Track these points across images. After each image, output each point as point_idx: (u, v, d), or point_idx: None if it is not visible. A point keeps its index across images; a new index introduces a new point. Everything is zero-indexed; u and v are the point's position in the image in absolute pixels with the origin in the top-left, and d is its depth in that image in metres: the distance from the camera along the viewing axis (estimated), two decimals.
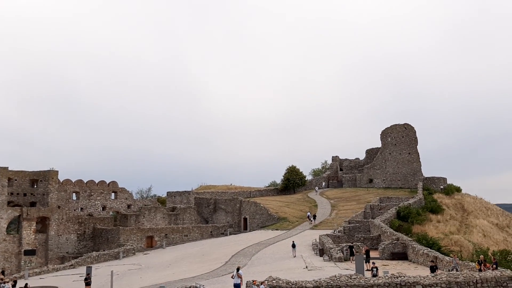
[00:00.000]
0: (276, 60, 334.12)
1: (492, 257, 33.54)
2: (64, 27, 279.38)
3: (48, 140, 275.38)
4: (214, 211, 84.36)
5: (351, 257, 41.32)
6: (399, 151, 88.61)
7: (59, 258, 67.59)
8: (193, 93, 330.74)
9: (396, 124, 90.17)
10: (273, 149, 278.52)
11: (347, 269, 35.26)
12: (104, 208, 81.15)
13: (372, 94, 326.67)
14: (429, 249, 41.05)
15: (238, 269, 29.49)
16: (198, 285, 29.63)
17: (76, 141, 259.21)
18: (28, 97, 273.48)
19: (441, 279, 25.77)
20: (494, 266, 29.48)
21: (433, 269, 31.17)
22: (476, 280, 25.74)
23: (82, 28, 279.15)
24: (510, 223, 74.00)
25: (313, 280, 26.12)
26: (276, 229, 67.59)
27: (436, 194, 77.14)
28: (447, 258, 35.98)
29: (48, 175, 73.06)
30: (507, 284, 25.81)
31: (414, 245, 42.37)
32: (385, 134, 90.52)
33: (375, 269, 30.86)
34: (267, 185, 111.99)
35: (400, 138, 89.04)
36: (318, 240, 51.01)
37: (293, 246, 45.89)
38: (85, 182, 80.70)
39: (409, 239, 45.88)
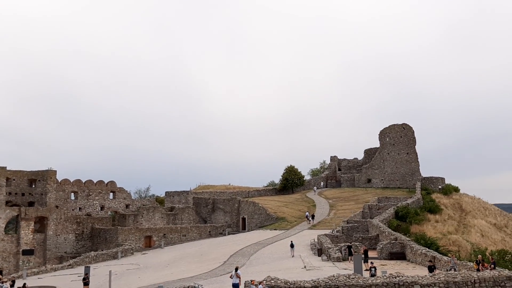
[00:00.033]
0: (275, 59, 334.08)
1: (490, 257, 33.56)
2: (62, 26, 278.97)
3: (46, 140, 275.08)
4: (213, 211, 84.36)
5: (349, 257, 41.37)
6: (397, 151, 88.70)
7: (57, 258, 67.50)
8: (192, 93, 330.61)
9: (394, 124, 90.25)
10: (271, 149, 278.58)
11: (345, 269, 35.30)
12: (102, 208, 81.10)
13: (371, 93, 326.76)
14: (427, 249, 41.12)
15: (236, 269, 29.53)
16: (196, 285, 29.65)
17: (74, 140, 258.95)
18: (26, 97, 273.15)
19: (439, 279, 25.82)
20: (492, 266, 29.52)
21: (431, 269, 31.22)
22: (474, 280, 25.80)
23: (80, 27, 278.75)
24: (508, 223, 74.10)
25: (312, 280, 26.15)
26: (275, 229, 67.62)
27: (434, 194, 77.22)
28: (445, 258, 36.05)
29: (46, 175, 72.97)
30: (505, 284, 25.87)
31: (412, 245, 42.43)
32: (383, 134, 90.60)
33: (373, 269, 30.89)
34: (266, 185, 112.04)
35: (399, 138, 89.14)
36: (316, 240, 51.06)
37: (292, 246, 45.93)
38: (83, 182, 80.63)
39: (407, 239, 45.93)
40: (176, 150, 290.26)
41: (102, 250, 64.26)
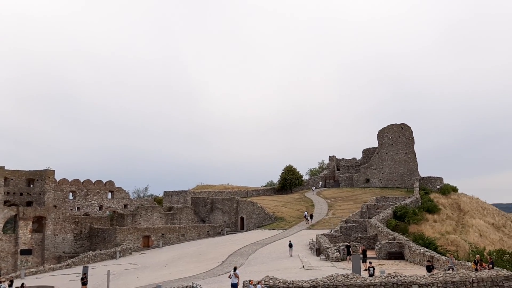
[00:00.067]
0: (274, 59, 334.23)
1: (488, 257, 33.60)
2: (62, 26, 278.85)
3: (45, 140, 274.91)
4: (211, 211, 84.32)
5: (347, 257, 41.39)
6: (395, 151, 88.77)
7: (56, 257, 67.41)
8: (191, 93, 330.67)
9: (393, 124, 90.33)
10: (270, 149, 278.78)
11: (343, 269, 35.33)
12: (100, 207, 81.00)
13: (370, 94, 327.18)
14: (425, 248, 41.14)
15: (235, 269, 29.53)
16: (195, 285, 29.64)
17: (72, 140, 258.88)
18: (25, 96, 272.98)
19: (437, 279, 25.83)
20: (490, 265, 29.55)
21: (429, 268, 31.24)
22: (472, 279, 25.82)
23: (80, 27, 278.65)
24: (506, 223, 74.24)
25: (310, 280, 26.15)
26: (273, 229, 67.62)
27: (433, 194, 77.32)
28: (443, 257, 36.08)
29: (45, 175, 72.86)
30: (503, 283, 25.90)
31: (411, 245, 42.46)
32: (382, 134, 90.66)
33: (371, 269, 30.90)
34: (264, 184, 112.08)
35: (397, 138, 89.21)
36: (315, 240, 51.07)
37: (290, 245, 45.92)
38: (81, 181, 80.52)
39: (405, 238, 45.97)
40: (174, 150, 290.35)
41: (100, 250, 64.17)
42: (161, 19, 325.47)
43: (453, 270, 31.11)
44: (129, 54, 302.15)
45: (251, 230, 73.23)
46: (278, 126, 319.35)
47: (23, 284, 36.62)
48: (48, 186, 72.33)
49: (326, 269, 35.40)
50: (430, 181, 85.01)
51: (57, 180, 76.93)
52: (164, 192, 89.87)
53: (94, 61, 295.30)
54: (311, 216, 68.97)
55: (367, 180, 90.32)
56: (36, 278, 50.19)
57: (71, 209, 77.50)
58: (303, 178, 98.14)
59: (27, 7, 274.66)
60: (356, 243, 46.98)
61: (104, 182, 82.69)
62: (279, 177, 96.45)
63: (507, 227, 72.07)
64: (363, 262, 36.87)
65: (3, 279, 42.17)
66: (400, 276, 26.33)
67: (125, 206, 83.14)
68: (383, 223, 56.32)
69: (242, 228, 78.07)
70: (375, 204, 70.14)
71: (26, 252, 66.14)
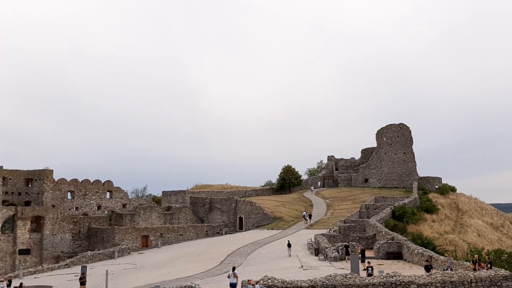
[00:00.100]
0: (273, 59, 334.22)
1: (486, 257, 33.65)
2: (61, 26, 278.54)
3: (43, 139, 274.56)
4: (210, 211, 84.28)
5: (346, 257, 41.41)
6: (394, 151, 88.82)
7: (54, 257, 67.32)
8: (190, 93, 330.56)
9: (391, 124, 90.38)
10: (269, 149, 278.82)
11: (342, 269, 35.35)
12: (99, 207, 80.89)
13: (369, 94, 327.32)
14: (424, 248, 41.17)
15: (234, 269, 29.52)
16: (193, 285, 29.61)
17: (71, 140, 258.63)
18: (24, 96, 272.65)
19: (435, 279, 25.85)
20: (489, 265, 29.60)
21: (428, 268, 31.25)
22: (471, 279, 25.84)
23: (79, 27, 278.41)
24: (505, 223, 74.34)
25: (309, 280, 26.15)
26: (272, 229, 67.62)
27: (431, 194, 77.37)
28: (441, 257, 36.11)
29: (43, 174, 72.76)
30: (501, 283, 25.93)
31: (409, 245, 42.49)
32: (380, 134, 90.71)
33: (370, 269, 30.91)
34: (263, 184, 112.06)
35: (396, 138, 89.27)
36: (313, 240, 51.07)
37: (289, 245, 45.92)
38: (80, 181, 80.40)
39: (404, 238, 46.00)
40: (173, 150, 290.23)
41: (98, 250, 64.11)
42: (161, 19, 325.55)
43: (451, 270, 31.14)
44: (128, 54, 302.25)
45: (250, 230, 73.20)
46: (277, 126, 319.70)
47: (21, 284, 36.52)
48: (47, 186, 72.24)
49: (324, 269, 35.41)
50: (428, 181, 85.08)
51: (56, 180, 76.82)
52: (163, 192, 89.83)
53: (93, 61, 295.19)
54: (310, 216, 68.99)
55: (366, 180, 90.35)
56: (35, 278, 50.11)
57: (69, 209, 77.40)
58: (301, 178, 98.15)
59: (27, 7, 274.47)
60: (355, 243, 47.02)
61: (103, 182, 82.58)
62: (278, 177, 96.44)
63: (505, 227, 72.16)
64: (361, 262, 36.90)
65: (1, 279, 42.05)
66: (399, 276, 26.34)
67: (124, 206, 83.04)
68: (381, 223, 56.35)
69: (241, 228, 78.05)
70: (373, 204, 70.19)
71: (25, 252, 66.04)
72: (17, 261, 65.04)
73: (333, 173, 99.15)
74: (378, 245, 44.73)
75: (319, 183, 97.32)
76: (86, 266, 42.26)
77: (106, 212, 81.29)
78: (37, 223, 69.24)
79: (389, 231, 50.05)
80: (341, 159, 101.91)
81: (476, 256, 33.38)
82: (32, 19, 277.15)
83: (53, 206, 72.74)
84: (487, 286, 25.79)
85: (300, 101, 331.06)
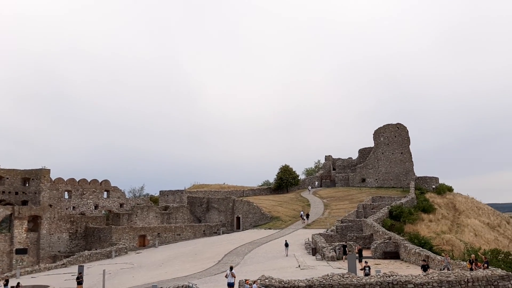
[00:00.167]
0: (271, 59, 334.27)
1: (483, 257, 33.74)
2: (59, 26, 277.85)
3: (41, 139, 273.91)
4: (207, 210, 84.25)
5: (343, 256, 41.47)
6: (391, 151, 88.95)
7: (51, 257, 67.19)
8: (188, 92, 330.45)
9: (388, 124, 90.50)
10: (266, 149, 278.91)
11: (339, 268, 35.38)
12: (96, 207, 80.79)
13: (366, 94, 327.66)
14: (421, 248, 41.27)
15: (231, 268, 29.53)
16: (190, 284, 29.60)
17: (68, 139, 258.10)
18: (21, 96, 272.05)
19: (432, 278, 25.91)
20: (485, 265, 29.67)
21: (424, 268, 31.34)
22: (467, 279, 25.91)
23: (77, 26, 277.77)
24: (501, 223, 74.52)
25: (306, 279, 26.17)
26: (269, 228, 67.66)
27: (428, 194, 77.49)
28: (438, 257, 36.20)
29: (40, 174, 72.61)
30: (497, 283, 26.01)
31: (406, 244, 42.57)
32: (377, 133, 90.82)
33: (367, 268, 30.96)
34: (260, 184, 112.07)
35: (393, 137, 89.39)
36: (310, 239, 51.12)
37: (286, 245, 45.96)
38: (77, 180, 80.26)
39: (401, 238, 46.08)
40: (170, 149, 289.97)
41: (96, 249, 64.02)
42: (159, 19, 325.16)
43: (448, 269, 31.22)
44: (127, 53, 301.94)
45: (247, 229, 73.22)
46: (275, 126, 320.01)
47: (18, 283, 36.48)
48: (44, 185, 72.09)
49: (322, 269, 35.43)
50: (425, 181, 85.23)
51: (53, 179, 76.70)
52: (160, 191, 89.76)
53: (90, 60, 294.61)
54: (307, 216, 69.04)
55: (363, 180, 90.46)
56: (32, 277, 50.02)
57: (66, 208, 77.27)
58: (299, 178, 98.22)
59: (25, 6, 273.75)
60: (352, 242, 47.07)
61: (100, 181, 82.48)
62: (275, 177, 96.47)
63: (502, 227, 72.33)
64: (359, 261, 36.95)
65: None
66: (396, 276, 26.39)
67: (121, 205, 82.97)
68: (378, 223, 56.42)
69: (238, 228, 78.04)
70: (371, 204, 70.27)
71: (22, 251, 65.89)
72: (14, 260, 64.88)
73: (331, 173, 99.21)
74: (375, 245, 44.79)
75: (316, 182, 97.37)
76: (83, 266, 42.26)
77: (103, 212, 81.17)
78: (34, 223, 69.09)
79: (386, 230, 50.12)
80: (339, 159, 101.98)
81: (473, 255, 33.47)
82: (29, 18, 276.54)
83: (50, 205, 72.59)
84: (483, 285, 25.86)
85: (298, 101, 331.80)
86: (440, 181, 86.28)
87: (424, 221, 63.59)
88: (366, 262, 33.20)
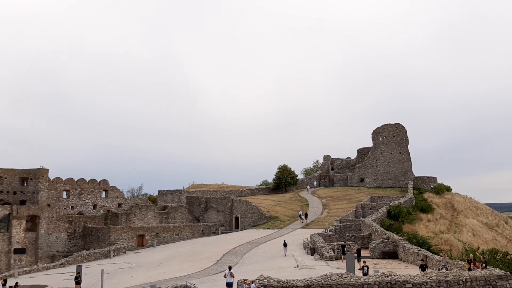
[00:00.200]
0: (270, 59, 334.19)
1: (481, 256, 33.76)
2: (55, 24, 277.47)
3: (39, 138, 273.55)
4: (206, 210, 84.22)
5: (342, 256, 41.49)
6: (390, 151, 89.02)
7: (49, 256, 67.09)
8: (187, 92, 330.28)
9: (387, 124, 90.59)
10: (265, 148, 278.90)
11: (338, 268, 35.39)
12: (94, 206, 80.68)
13: (366, 94, 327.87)
14: (419, 248, 41.30)
15: (230, 268, 29.54)
16: (189, 284, 29.58)
17: (66, 139, 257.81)
18: (19, 95, 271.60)
19: (431, 278, 25.93)
20: (484, 265, 29.70)
21: (423, 268, 31.37)
22: (466, 279, 25.93)
23: (74, 24, 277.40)
24: (500, 223, 74.62)
25: (304, 279, 26.18)
26: (268, 228, 67.66)
27: (427, 194, 77.59)
28: (437, 257, 36.22)
29: (38, 173, 72.48)
30: (496, 283, 26.04)
31: (405, 244, 42.61)
32: (376, 133, 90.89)
33: (366, 268, 30.98)
34: (259, 184, 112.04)
35: (391, 137, 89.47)
36: (309, 239, 51.13)
37: (285, 245, 45.96)
38: (75, 180, 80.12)
39: (399, 238, 46.12)
40: (169, 149, 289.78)
41: (94, 249, 63.95)
42: (157, 16, 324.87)
43: (446, 269, 31.24)
44: (125, 52, 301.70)
45: (246, 229, 73.21)
46: (274, 126, 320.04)
47: (17, 283, 36.42)
48: (42, 185, 71.96)
49: (320, 268, 35.45)
50: (424, 180, 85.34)
51: (51, 179, 76.56)
52: (159, 191, 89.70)
53: (88, 59, 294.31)
54: (306, 216, 69.06)
55: (362, 180, 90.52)
56: (30, 277, 49.95)
57: (65, 208, 77.15)
58: (297, 178, 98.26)
59: (21, 5, 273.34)
60: (351, 242, 47.09)
61: (98, 181, 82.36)
62: (274, 177, 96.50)
63: (500, 227, 72.44)
64: (357, 261, 36.98)
65: None
66: (394, 275, 26.41)
67: (119, 205, 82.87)
68: (377, 223, 56.48)
69: (237, 228, 78.03)
70: (369, 204, 70.33)
71: (20, 251, 65.78)
72: (12, 260, 64.78)
73: (329, 173, 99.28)
74: (373, 245, 44.82)
75: (315, 182, 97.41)
76: (81, 266, 42.20)
77: (101, 212, 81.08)
78: (33, 222, 68.99)
79: (384, 230, 50.16)
80: (337, 158, 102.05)
81: (471, 255, 33.51)
82: (27, 17, 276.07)
83: (49, 205, 72.49)
84: (482, 285, 25.89)
85: (296, 100, 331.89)
86: (439, 181, 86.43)
87: (422, 221, 63.67)
88: (364, 262, 33.20)
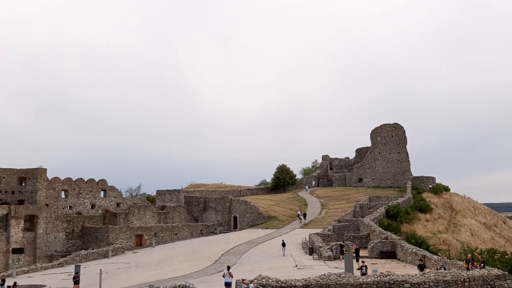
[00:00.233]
0: (269, 58, 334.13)
1: (479, 256, 33.83)
2: (54, 21, 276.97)
3: (37, 138, 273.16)
4: (204, 210, 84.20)
5: (340, 256, 41.52)
6: (388, 151, 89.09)
7: (48, 256, 67.02)
8: (185, 91, 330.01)
9: (385, 124, 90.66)
10: (264, 148, 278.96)
11: (336, 268, 35.42)
12: (93, 206, 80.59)
13: (364, 93, 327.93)
14: (417, 248, 41.34)
15: (228, 268, 29.54)
16: (187, 284, 29.57)
17: (65, 138, 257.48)
18: (16, 94, 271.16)
19: (429, 278, 25.97)
20: (482, 265, 29.75)
21: (421, 267, 31.40)
22: (464, 278, 25.97)
23: (72, 22, 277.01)
24: (498, 223, 74.73)
25: (303, 279, 26.19)
26: (266, 228, 67.66)
27: (425, 193, 77.66)
28: (435, 257, 36.26)
29: (37, 173, 72.37)
30: (494, 282, 26.09)
31: (403, 244, 42.65)
32: (374, 133, 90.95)
33: (364, 268, 31.01)
34: (258, 184, 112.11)
35: (390, 137, 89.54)
36: (307, 239, 51.15)
37: (283, 244, 45.97)
38: (74, 180, 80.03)
39: (398, 238, 46.16)
40: (168, 149, 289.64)
41: (92, 249, 63.91)
42: (156, 15, 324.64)
43: (444, 269, 31.29)
44: (123, 50, 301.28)
45: (244, 229, 73.21)
46: (273, 125, 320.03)
47: (15, 283, 36.37)
48: (40, 185, 71.86)
49: (319, 268, 35.48)
50: (422, 180, 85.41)
51: (49, 179, 76.44)
52: (157, 191, 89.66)
53: (87, 58, 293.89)
54: (304, 215, 69.08)
55: (360, 180, 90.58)
56: (28, 277, 49.88)
57: (63, 208, 77.05)
58: (296, 177, 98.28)
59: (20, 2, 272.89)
60: (349, 242, 47.14)
61: (97, 180, 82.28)
62: (272, 176, 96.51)
63: (498, 227, 72.54)
64: (356, 261, 37.00)
65: None
66: (392, 275, 26.44)
67: (118, 205, 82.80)
68: (375, 223, 56.52)
69: (235, 227, 78.03)
70: (367, 204, 70.37)
71: (18, 251, 65.69)
72: (11, 260, 64.68)
73: (328, 173, 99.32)
74: (372, 244, 44.87)
75: (313, 182, 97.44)
76: (80, 265, 42.11)
77: (100, 211, 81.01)
78: (31, 222, 68.90)
79: (383, 230, 50.21)
80: (336, 158, 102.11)
81: (469, 255, 33.56)
82: (21, 13, 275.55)
83: (47, 205, 72.39)
84: (480, 285, 25.94)
85: (294, 100, 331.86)
86: (437, 181, 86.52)
87: (420, 220, 63.73)
88: (363, 262, 33.25)
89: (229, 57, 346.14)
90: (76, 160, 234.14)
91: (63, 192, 78.92)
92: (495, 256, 43.51)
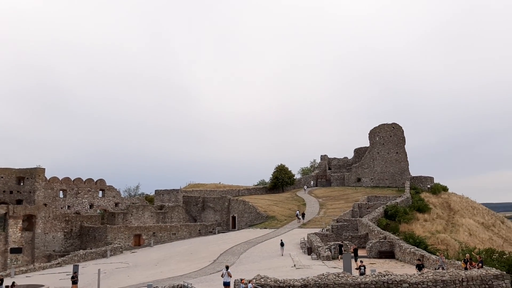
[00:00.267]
0: (268, 58, 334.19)
1: (477, 256, 33.85)
2: (53, 20, 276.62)
3: (35, 137, 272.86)
4: (203, 210, 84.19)
5: (339, 256, 41.54)
6: (387, 151, 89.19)
7: (46, 256, 66.97)
8: (184, 91, 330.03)
9: (384, 124, 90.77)
10: (262, 148, 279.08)
11: (335, 268, 35.45)
12: (91, 206, 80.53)
13: (363, 93, 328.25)
14: (416, 247, 41.39)
15: (227, 268, 29.53)
16: (186, 284, 29.56)
17: (63, 138, 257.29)
18: (14, 93, 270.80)
19: (427, 278, 25.99)
20: (480, 264, 29.78)
21: (419, 267, 31.43)
22: (462, 278, 25.99)
23: (70, 21, 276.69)
24: (496, 222, 74.83)
25: (301, 279, 26.19)
26: (265, 228, 67.69)
27: (423, 193, 77.74)
28: (433, 256, 36.29)
29: (35, 173, 72.30)
30: (492, 282, 26.10)
31: (401, 244, 42.69)
32: (373, 133, 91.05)
33: (362, 268, 31.03)
34: (256, 183, 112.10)
35: (388, 137, 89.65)
36: (306, 239, 51.17)
37: (282, 244, 45.99)
38: (72, 180, 79.99)
39: (396, 237, 46.21)
40: (166, 148, 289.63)
41: (91, 249, 63.86)
42: (155, 13, 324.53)
43: (443, 269, 31.31)
44: (122, 49, 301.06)
45: (243, 229, 73.23)
46: (271, 125, 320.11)
47: (13, 283, 36.30)
48: (38, 185, 71.80)
49: (317, 268, 35.49)
50: (420, 180, 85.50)
51: (48, 179, 76.38)
52: (156, 190, 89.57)
53: (85, 57, 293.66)
54: (303, 215, 69.12)
55: (359, 179, 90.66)
56: (26, 276, 49.83)
57: (61, 208, 76.99)
58: (295, 177, 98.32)
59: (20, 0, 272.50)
60: (348, 242, 47.17)
61: (95, 180, 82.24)
62: (271, 176, 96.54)
63: (496, 227, 72.64)
64: (354, 261, 37.02)
65: None
66: (391, 275, 26.45)
67: (116, 204, 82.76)
68: (374, 222, 56.56)
69: (234, 227, 78.03)
70: (366, 203, 70.43)
71: (16, 250, 65.62)
72: (9, 260, 64.62)
73: (326, 172, 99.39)
74: (370, 244, 44.90)
75: (312, 182, 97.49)
76: (78, 265, 42.06)
77: (98, 211, 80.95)
78: (29, 222, 68.83)
79: (381, 230, 50.25)
80: (334, 158, 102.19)
81: (467, 255, 33.58)
82: (20, 12, 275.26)
83: (45, 204, 72.33)
84: (478, 285, 25.95)
85: (292, 99, 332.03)
86: (435, 181, 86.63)
87: (419, 220, 63.78)
88: (361, 262, 33.26)
89: (229, 57, 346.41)
90: (75, 159, 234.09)
91: (61, 191, 78.85)
92: (493, 256, 43.55)
